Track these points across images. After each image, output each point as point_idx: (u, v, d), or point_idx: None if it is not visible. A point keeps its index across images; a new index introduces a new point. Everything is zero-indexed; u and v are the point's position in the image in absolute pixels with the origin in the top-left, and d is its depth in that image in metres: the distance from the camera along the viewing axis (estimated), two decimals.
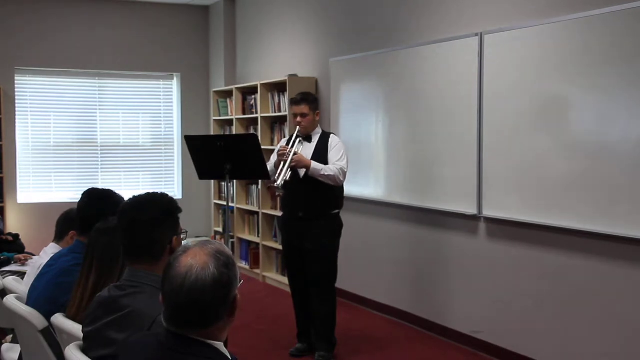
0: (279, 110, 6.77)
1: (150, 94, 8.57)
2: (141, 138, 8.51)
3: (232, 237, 7.45)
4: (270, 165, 4.52)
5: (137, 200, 2.21)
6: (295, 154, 4.34)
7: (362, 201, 5.81)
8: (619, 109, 3.69)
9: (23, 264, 4.92)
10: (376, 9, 5.66)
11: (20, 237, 6.12)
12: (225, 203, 5.76)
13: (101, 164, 8.28)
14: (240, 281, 1.70)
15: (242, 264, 7.40)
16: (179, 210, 2.23)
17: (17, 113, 7.80)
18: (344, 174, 4.44)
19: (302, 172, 4.43)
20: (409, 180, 5.26)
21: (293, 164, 4.31)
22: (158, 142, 8.61)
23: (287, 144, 4.50)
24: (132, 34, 8.29)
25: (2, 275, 3.83)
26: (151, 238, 2.12)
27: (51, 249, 3.29)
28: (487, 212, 4.55)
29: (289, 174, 4.30)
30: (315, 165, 4.35)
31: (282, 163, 4.32)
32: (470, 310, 4.81)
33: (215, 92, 8.13)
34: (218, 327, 1.65)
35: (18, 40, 7.75)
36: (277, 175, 4.31)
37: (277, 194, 4.39)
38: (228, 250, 1.71)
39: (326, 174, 4.34)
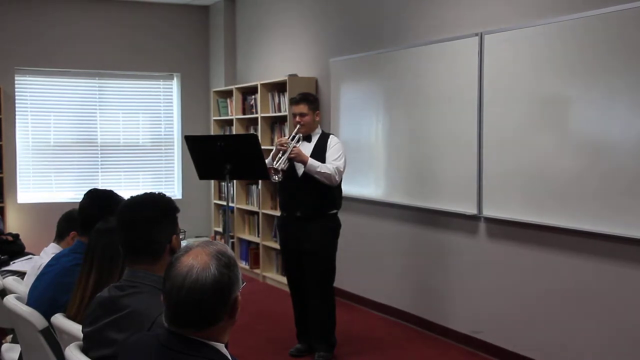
0: (279, 111, 6.77)
1: (150, 94, 8.56)
2: (141, 138, 8.50)
3: (232, 237, 7.45)
4: (268, 158, 4.53)
5: (135, 200, 2.21)
6: (294, 146, 4.36)
7: (362, 201, 5.81)
8: (619, 109, 3.69)
9: None
10: (376, 9, 5.66)
11: (20, 237, 6.11)
12: (225, 203, 5.76)
13: (101, 164, 8.27)
14: (243, 283, 1.70)
15: (242, 264, 7.39)
16: (177, 209, 2.23)
17: (17, 113, 7.80)
18: (340, 173, 4.44)
19: (300, 170, 4.44)
20: (409, 180, 5.26)
21: (292, 155, 4.32)
22: (158, 142, 8.61)
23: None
24: (131, 33, 8.28)
25: (2, 275, 3.82)
26: (150, 238, 2.12)
27: (51, 249, 3.29)
28: (487, 212, 4.55)
29: (287, 164, 4.31)
30: (312, 161, 4.35)
31: (281, 152, 4.34)
32: (470, 310, 4.81)
33: (215, 92, 8.13)
34: (218, 328, 1.65)
35: (18, 40, 7.75)
36: (275, 162, 4.31)
37: (274, 177, 4.37)
38: (230, 251, 1.71)
39: (322, 171, 4.35)
